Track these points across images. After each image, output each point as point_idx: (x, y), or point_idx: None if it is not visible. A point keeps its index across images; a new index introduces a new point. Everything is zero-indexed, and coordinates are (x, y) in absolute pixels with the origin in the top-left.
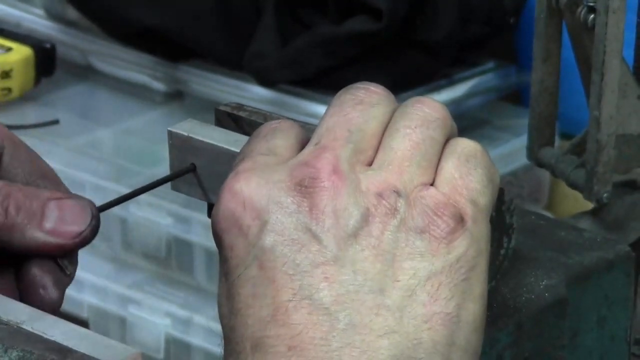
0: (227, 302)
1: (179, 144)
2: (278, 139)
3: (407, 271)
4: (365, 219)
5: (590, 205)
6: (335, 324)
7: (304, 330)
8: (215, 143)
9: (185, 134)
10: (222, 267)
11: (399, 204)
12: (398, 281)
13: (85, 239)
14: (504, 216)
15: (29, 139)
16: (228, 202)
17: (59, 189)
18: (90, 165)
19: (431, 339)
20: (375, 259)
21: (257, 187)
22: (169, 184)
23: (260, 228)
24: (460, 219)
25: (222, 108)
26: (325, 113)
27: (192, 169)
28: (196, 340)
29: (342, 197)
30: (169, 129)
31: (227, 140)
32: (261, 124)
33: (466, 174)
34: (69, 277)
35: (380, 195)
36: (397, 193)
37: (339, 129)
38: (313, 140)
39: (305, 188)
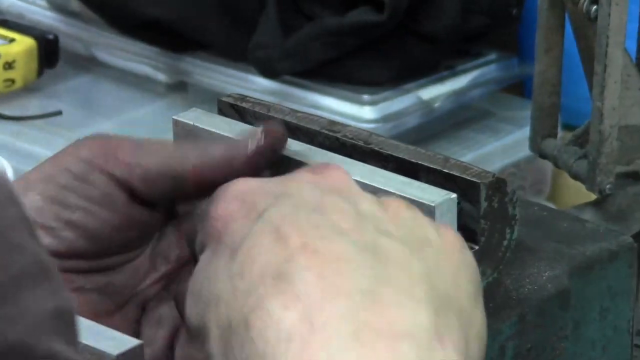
0: None
1: (183, 133)
2: None
3: None
4: None
5: (592, 197)
6: None
7: None
8: (220, 132)
9: (191, 122)
10: None
11: None
12: None
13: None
14: (507, 207)
15: (32, 130)
16: None
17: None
18: None
19: None
20: None
21: None
22: None
23: None
24: None
25: (225, 99)
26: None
27: None
28: None
29: None
30: (174, 117)
31: (233, 129)
32: (264, 114)
33: None
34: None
35: None
36: None
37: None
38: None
39: None
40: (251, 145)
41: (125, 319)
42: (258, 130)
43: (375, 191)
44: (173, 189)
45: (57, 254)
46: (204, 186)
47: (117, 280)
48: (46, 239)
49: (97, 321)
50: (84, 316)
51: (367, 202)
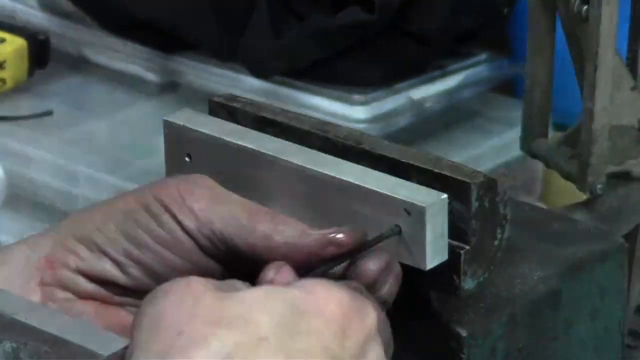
0: None
1: (174, 134)
2: None
3: None
4: None
5: (583, 197)
6: None
7: None
8: (211, 133)
9: (181, 123)
10: None
11: None
12: None
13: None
14: (498, 207)
15: (23, 130)
16: None
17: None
18: (84, 156)
19: None
20: None
21: None
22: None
23: None
24: None
25: (215, 99)
26: None
27: (398, 232)
28: None
29: None
30: (164, 118)
31: (223, 130)
32: (254, 115)
33: None
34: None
35: None
36: None
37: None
38: None
39: None
40: (316, 244)
41: None
42: (333, 236)
43: (366, 193)
44: (230, 253)
45: (123, 287)
46: (257, 261)
47: None
48: (113, 271)
49: None
50: None
51: None
